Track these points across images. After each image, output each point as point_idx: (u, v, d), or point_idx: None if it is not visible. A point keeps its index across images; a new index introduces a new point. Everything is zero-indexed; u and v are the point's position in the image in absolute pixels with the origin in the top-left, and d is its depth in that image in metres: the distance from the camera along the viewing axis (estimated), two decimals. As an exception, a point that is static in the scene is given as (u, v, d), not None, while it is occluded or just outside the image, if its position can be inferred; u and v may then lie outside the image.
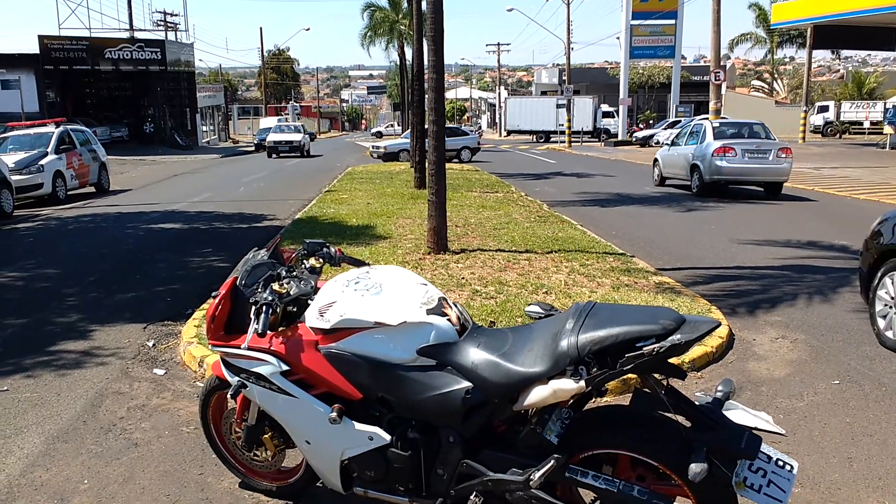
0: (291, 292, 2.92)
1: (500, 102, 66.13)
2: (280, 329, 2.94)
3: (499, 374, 2.52)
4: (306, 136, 35.16)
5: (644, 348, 2.28)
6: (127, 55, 39.02)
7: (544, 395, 2.43)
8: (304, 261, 3.24)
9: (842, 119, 42.26)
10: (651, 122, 48.94)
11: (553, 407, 2.56)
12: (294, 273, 3.08)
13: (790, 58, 72.21)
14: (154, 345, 5.83)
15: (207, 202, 15.57)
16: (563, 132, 41.21)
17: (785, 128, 43.62)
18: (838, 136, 41.77)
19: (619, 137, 44.66)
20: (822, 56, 71.19)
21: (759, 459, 2.38)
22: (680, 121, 33.84)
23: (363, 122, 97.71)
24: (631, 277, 7.33)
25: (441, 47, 8.53)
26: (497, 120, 66.93)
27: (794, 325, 6.08)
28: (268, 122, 31.36)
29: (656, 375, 2.46)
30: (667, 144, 19.22)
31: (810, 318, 6.29)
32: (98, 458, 3.88)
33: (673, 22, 43.10)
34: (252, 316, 2.82)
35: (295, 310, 2.99)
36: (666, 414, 2.47)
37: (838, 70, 71.57)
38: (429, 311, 2.74)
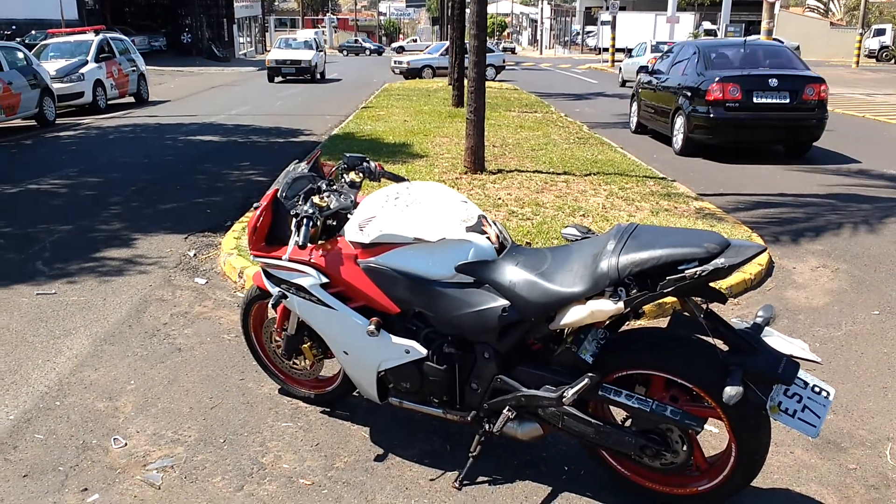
0: (332, 206, 2.92)
1: (541, 18, 64.03)
2: (320, 242, 2.96)
3: (536, 293, 2.52)
4: (320, 53, 28.23)
5: (686, 271, 2.25)
6: (165, -39, 38.35)
7: (582, 316, 2.43)
8: (344, 175, 3.22)
9: (899, 43, 40.38)
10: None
11: (589, 327, 2.57)
12: (334, 187, 3.07)
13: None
14: (195, 255, 5.95)
15: (245, 115, 15.55)
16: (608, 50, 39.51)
17: (839, 51, 41.79)
18: (894, 61, 39.86)
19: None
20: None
21: (796, 385, 2.37)
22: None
23: (401, 35, 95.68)
24: (671, 202, 7.22)
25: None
26: (538, 37, 64.93)
27: (836, 255, 5.96)
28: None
29: (696, 299, 2.44)
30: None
31: (853, 247, 6.16)
32: (143, 361, 4.03)
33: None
34: (293, 228, 2.86)
35: (335, 223, 3.00)
36: (703, 337, 2.46)
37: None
38: (468, 229, 2.73)
